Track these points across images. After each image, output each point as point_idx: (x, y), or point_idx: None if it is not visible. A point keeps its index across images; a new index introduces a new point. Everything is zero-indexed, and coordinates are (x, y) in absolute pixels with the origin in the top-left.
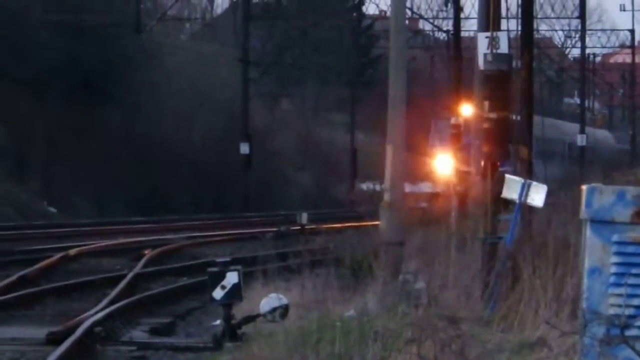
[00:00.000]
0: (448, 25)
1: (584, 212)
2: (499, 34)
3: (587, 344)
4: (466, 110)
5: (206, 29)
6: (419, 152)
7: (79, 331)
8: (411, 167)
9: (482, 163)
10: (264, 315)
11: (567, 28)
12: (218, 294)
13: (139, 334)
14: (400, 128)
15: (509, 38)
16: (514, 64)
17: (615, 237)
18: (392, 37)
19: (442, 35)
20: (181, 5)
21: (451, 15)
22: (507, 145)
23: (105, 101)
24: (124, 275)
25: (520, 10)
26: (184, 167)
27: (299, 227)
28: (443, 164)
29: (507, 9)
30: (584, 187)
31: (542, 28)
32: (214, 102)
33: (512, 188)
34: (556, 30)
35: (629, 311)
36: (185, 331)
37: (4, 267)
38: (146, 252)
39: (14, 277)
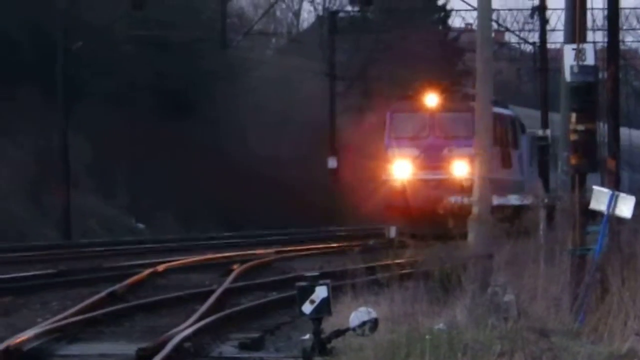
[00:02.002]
0: (534, 37)
1: None
2: (585, 45)
3: None
4: (431, 100)
5: (292, 44)
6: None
7: (169, 347)
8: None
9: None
10: (353, 329)
11: None
12: (307, 308)
13: (228, 349)
14: (487, 141)
15: (595, 50)
16: (600, 75)
17: None
18: (478, 50)
19: (528, 48)
20: (267, 20)
21: (537, 27)
22: (594, 156)
23: (191, 116)
24: (213, 291)
25: (606, 22)
26: (271, 182)
27: (387, 241)
28: (402, 172)
29: (593, 21)
30: None
31: (628, 39)
32: (300, 116)
33: (599, 199)
34: None
35: None
36: (275, 346)
37: (92, 283)
38: (235, 267)
39: (102, 294)
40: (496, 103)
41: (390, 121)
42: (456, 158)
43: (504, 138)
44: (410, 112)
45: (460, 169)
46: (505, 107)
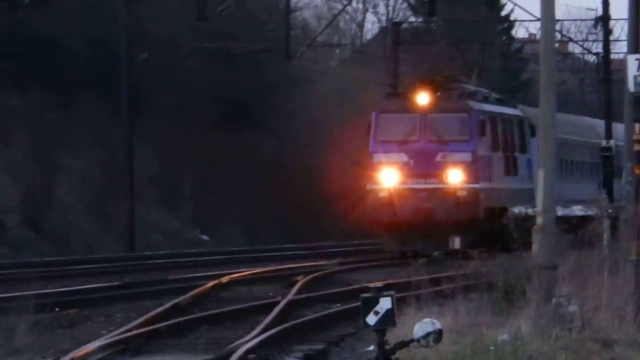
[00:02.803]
0: (597, 47)
1: None
2: None
3: None
4: (423, 98)
5: (356, 55)
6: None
7: (233, 359)
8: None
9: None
10: (418, 340)
11: None
12: (371, 319)
13: (294, 358)
14: (551, 152)
15: None
16: None
17: None
18: (541, 60)
19: (591, 58)
20: (331, 31)
21: (600, 37)
22: None
23: (254, 128)
24: (277, 302)
25: None
26: (334, 193)
27: (451, 252)
28: (389, 180)
29: None
30: None
31: None
32: (364, 128)
33: None
34: None
35: None
36: (339, 357)
37: (157, 295)
38: (298, 278)
39: (167, 306)
40: (501, 102)
41: (376, 123)
42: (451, 165)
43: (509, 141)
44: (399, 113)
45: (455, 177)
46: (513, 106)
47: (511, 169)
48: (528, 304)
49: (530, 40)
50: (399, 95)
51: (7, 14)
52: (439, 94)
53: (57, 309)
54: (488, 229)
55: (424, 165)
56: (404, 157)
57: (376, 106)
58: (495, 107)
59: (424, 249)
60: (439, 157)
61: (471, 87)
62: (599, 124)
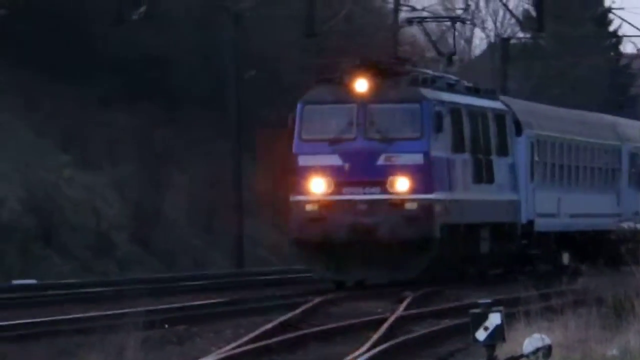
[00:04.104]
0: None
1: None
2: None
3: None
4: (361, 85)
5: (464, 71)
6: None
7: None
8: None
9: None
10: (527, 355)
11: None
12: (481, 335)
13: None
14: None
15: None
16: None
17: None
18: None
19: None
20: (439, 45)
21: None
22: None
23: None
24: (386, 319)
25: None
26: None
27: (560, 268)
28: (318, 190)
29: None
30: None
31: None
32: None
33: None
34: None
35: None
36: None
37: (266, 311)
38: (407, 294)
39: (275, 322)
40: (477, 91)
41: (301, 116)
42: (397, 169)
43: (482, 140)
44: (331, 103)
45: (403, 185)
46: (493, 98)
47: (484, 175)
48: (637, 318)
49: (639, 55)
50: (331, 81)
51: (113, 29)
52: (383, 79)
53: (166, 325)
54: (448, 251)
55: (362, 170)
56: (337, 160)
57: (302, 96)
58: (462, 97)
59: (368, 277)
60: (381, 160)
61: (429, 73)
62: (620, 122)
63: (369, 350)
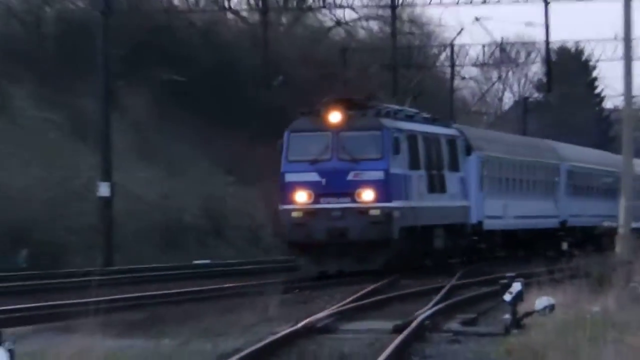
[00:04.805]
0: None
1: None
2: None
3: None
4: (335, 117)
5: (498, 120)
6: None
7: (414, 324)
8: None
9: None
10: (538, 311)
11: None
12: (507, 297)
13: (454, 325)
14: (630, 187)
15: None
16: None
17: None
18: (624, 124)
19: None
20: (480, 102)
21: None
22: None
23: None
24: (443, 286)
25: None
26: None
27: (562, 251)
28: (302, 199)
29: None
30: None
31: None
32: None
33: None
34: None
35: None
36: (485, 322)
37: (361, 283)
38: (458, 270)
39: (368, 289)
40: (434, 121)
41: (288, 142)
42: (363, 183)
43: (435, 159)
44: (311, 132)
45: (368, 195)
46: (448, 125)
47: (437, 186)
48: (613, 287)
49: (616, 109)
50: (312, 113)
51: (260, 90)
52: (352, 112)
53: (297, 290)
54: (406, 247)
55: (336, 184)
56: (316, 177)
57: (289, 126)
58: (417, 125)
59: (343, 268)
60: (350, 176)
61: (391, 107)
62: (560, 146)
63: (432, 307)
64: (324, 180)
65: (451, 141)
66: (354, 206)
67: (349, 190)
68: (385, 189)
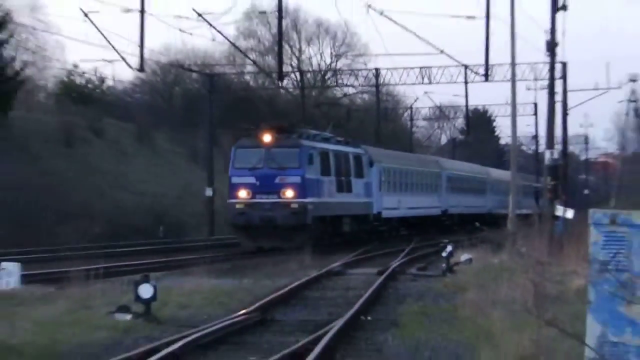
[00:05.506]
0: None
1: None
2: (554, 149)
3: None
4: (267, 137)
5: (438, 151)
6: None
7: (390, 270)
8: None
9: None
10: (462, 262)
11: None
12: (444, 253)
13: (412, 270)
14: (516, 189)
15: (557, 151)
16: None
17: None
18: (511, 155)
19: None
20: (427, 140)
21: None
22: (557, 194)
23: None
24: (404, 249)
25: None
26: None
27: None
28: (244, 196)
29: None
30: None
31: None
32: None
33: (560, 210)
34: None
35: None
36: (432, 268)
37: (362, 245)
38: (414, 240)
39: (362, 250)
40: (347, 143)
41: (234, 154)
42: (286, 185)
43: (343, 169)
44: (251, 148)
45: (290, 194)
46: (357, 146)
47: (344, 188)
48: (505, 249)
49: (506, 144)
50: (252, 134)
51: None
52: (280, 135)
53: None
54: (318, 231)
55: (267, 185)
56: (253, 180)
57: (236, 143)
58: (330, 145)
59: (273, 245)
60: (278, 180)
61: (311, 131)
62: (442, 160)
63: (399, 260)
64: (258, 183)
65: (357, 156)
66: (280, 201)
67: (276, 190)
68: (302, 189)
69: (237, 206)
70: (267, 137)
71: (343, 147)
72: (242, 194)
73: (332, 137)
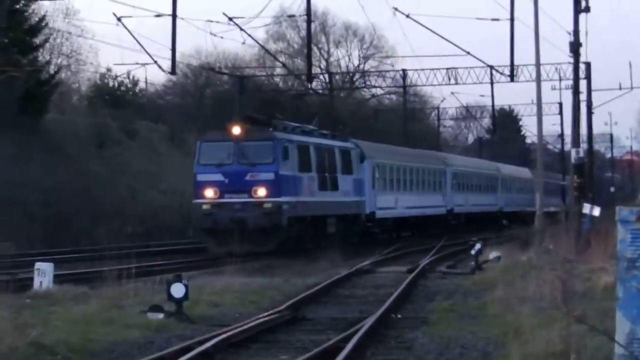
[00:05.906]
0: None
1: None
2: (580, 148)
3: None
4: (236, 130)
5: (464, 151)
6: None
7: (419, 268)
8: None
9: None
10: (491, 260)
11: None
12: (473, 251)
13: (442, 268)
14: (542, 187)
15: (583, 150)
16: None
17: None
18: (538, 153)
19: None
20: (455, 140)
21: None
22: (584, 192)
23: None
24: (434, 246)
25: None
26: None
27: (502, 226)
28: (210, 195)
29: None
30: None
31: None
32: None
33: (587, 208)
34: None
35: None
36: (461, 266)
37: (390, 244)
38: (443, 238)
39: (393, 248)
40: (334, 137)
41: (199, 150)
42: (258, 183)
43: (327, 164)
44: (218, 142)
45: (262, 192)
46: (345, 140)
47: (329, 185)
48: (532, 246)
49: (532, 143)
50: (220, 127)
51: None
52: (248, 126)
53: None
54: (295, 233)
55: (237, 183)
56: (221, 177)
57: (202, 137)
58: (312, 138)
59: (242, 250)
60: (248, 177)
61: (289, 123)
62: (448, 156)
63: (429, 258)
64: (227, 180)
65: (345, 151)
66: (251, 200)
67: (247, 188)
68: (275, 187)
69: (204, 207)
70: (236, 130)
71: (327, 141)
72: (209, 193)
73: (314, 129)
